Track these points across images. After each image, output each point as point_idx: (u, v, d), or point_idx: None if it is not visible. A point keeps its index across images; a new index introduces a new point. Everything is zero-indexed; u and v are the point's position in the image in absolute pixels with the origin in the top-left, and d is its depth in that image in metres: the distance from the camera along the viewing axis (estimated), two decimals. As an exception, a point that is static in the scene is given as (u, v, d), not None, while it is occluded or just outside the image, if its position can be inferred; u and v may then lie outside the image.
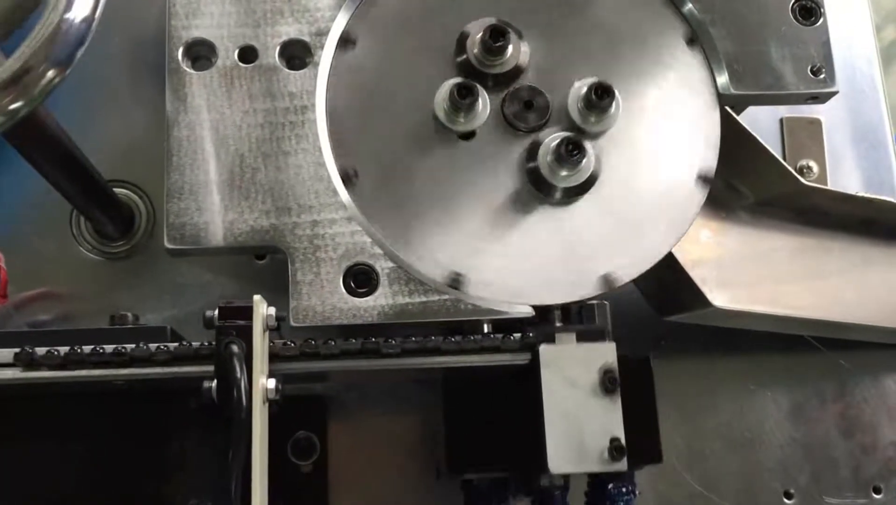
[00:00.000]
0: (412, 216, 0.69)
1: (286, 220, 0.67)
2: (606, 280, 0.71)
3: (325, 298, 0.66)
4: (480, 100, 0.68)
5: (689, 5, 0.75)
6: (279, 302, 0.64)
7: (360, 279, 0.67)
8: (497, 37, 0.69)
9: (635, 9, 0.75)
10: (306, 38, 0.70)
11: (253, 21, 0.70)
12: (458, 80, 0.68)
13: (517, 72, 0.71)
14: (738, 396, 0.86)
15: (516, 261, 0.70)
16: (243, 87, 0.69)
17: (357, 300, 0.66)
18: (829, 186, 1.03)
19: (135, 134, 0.83)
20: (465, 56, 0.70)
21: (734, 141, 0.81)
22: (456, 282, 0.68)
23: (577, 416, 0.65)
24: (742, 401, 0.86)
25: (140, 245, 0.85)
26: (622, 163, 0.72)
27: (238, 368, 0.58)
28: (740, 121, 0.80)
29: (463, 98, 0.67)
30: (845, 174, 1.05)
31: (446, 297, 0.67)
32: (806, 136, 1.04)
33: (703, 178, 0.74)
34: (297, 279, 0.66)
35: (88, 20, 0.49)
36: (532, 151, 0.70)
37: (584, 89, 0.69)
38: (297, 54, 0.71)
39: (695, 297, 0.77)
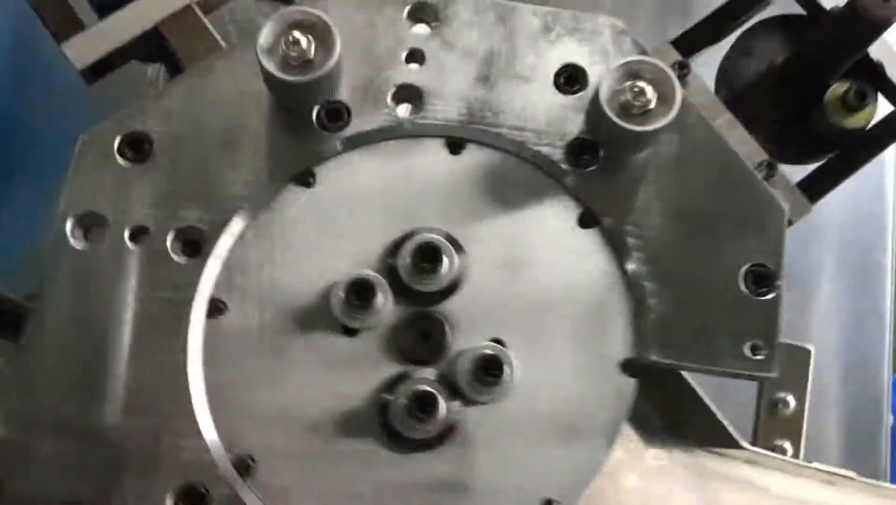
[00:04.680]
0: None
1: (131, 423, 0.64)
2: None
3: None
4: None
5: (632, 253, 0.68)
6: None
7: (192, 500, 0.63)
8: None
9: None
10: (204, 227, 0.67)
11: (150, 199, 0.67)
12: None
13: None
14: None
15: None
16: (126, 271, 0.66)
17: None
18: (805, 426, 0.95)
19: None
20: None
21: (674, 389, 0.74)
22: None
23: None
24: None
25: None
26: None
27: None
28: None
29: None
30: (829, 414, 0.95)
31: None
32: (789, 365, 0.95)
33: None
34: (128, 486, 0.62)
35: None
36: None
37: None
38: (192, 242, 0.67)
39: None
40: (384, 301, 0.66)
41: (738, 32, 0.83)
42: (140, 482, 0.63)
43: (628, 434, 0.77)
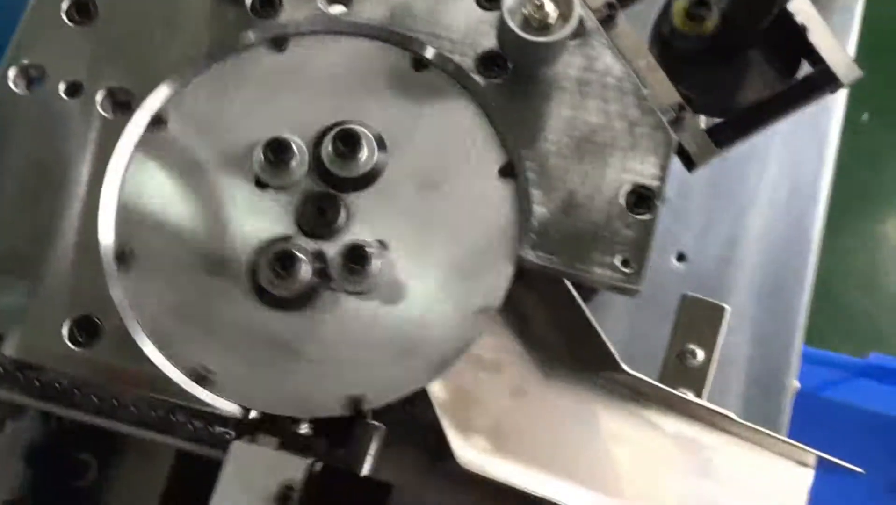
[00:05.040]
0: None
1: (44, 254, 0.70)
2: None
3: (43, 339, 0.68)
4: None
5: (524, 161, 0.73)
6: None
7: (85, 329, 0.68)
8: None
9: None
10: (133, 89, 0.73)
11: (88, 59, 0.73)
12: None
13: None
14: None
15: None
16: (58, 120, 0.72)
17: (75, 349, 0.68)
18: (710, 380, 0.98)
19: None
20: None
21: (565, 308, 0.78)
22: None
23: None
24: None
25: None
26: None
27: None
28: (572, 290, 0.77)
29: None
30: (734, 371, 0.98)
31: (160, 373, 0.68)
32: (703, 319, 0.98)
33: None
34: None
35: None
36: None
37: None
38: (121, 102, 0.73)
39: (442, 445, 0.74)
40: (298, 166, 0.71)
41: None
42: (43, 309, 0.69)
43: (518, 349, 0.82)
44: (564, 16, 0.69)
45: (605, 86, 0.74)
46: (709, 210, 1.00)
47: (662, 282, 0.99)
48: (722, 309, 0.99)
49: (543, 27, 0.69)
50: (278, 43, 0.75)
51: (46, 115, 0.72)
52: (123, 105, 0.73)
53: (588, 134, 0.73)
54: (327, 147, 0.72)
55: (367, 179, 0.73)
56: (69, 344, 0.68)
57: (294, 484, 0.65)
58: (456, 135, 0.75)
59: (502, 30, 0.71)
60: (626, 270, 0.70)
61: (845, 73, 0.81)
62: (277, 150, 0.70)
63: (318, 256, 0.70)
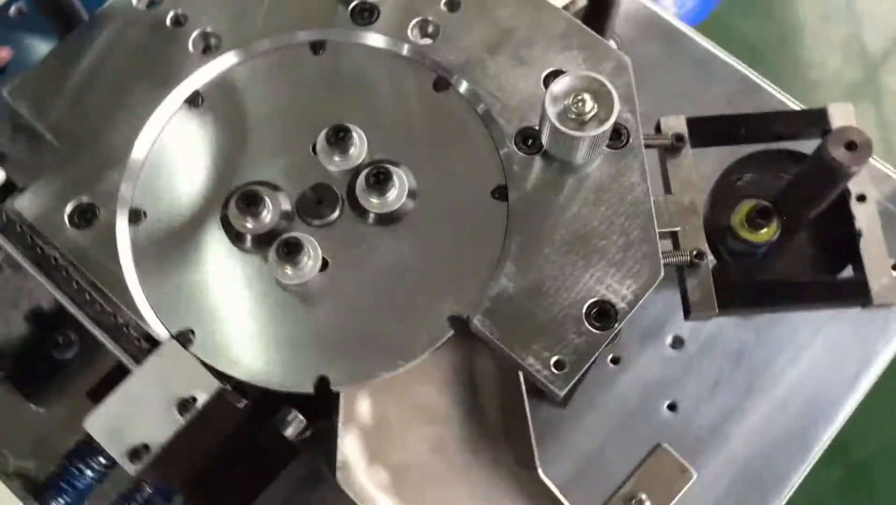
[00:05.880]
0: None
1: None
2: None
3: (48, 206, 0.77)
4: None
5: (515, 235, 0.75)
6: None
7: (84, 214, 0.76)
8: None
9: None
10: (222, 36, 0.82)
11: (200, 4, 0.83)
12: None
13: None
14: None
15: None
16: (153, 39, 0.82)
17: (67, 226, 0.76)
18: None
19: None
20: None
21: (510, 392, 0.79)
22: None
23: (142, 408, 0.69)
24: None
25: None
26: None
27: None
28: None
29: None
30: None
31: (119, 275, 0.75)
32: (667, 475, 0.95)
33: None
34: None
35: None
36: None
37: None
38: (209, 46, 0.82)
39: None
40: (359, 152, 0.77)
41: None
42: (62, 182, 0.78)
43: (458, 411, 0.83)
44: (601, 118, 0.71)
45: (622, 200, 0.75)
46: (721, 375, 0.97)
47: (644, 423, 0.97)
48: (689, 474, 0.95)
49: (578, 123, 0.71)
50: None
51: (148, 32, 0.82)
52: (210, 49, 0.82)
53: (585, 234, 0.74)
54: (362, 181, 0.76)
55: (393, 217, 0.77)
56: (65, 220, 0.76)
57: (198, 398, 0.69)
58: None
59: (542, 111, 0.74)
60: (557, 372, 0.71)
61: (880, 292, 0.78)
62: (340, 134, 0.76)
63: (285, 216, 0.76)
